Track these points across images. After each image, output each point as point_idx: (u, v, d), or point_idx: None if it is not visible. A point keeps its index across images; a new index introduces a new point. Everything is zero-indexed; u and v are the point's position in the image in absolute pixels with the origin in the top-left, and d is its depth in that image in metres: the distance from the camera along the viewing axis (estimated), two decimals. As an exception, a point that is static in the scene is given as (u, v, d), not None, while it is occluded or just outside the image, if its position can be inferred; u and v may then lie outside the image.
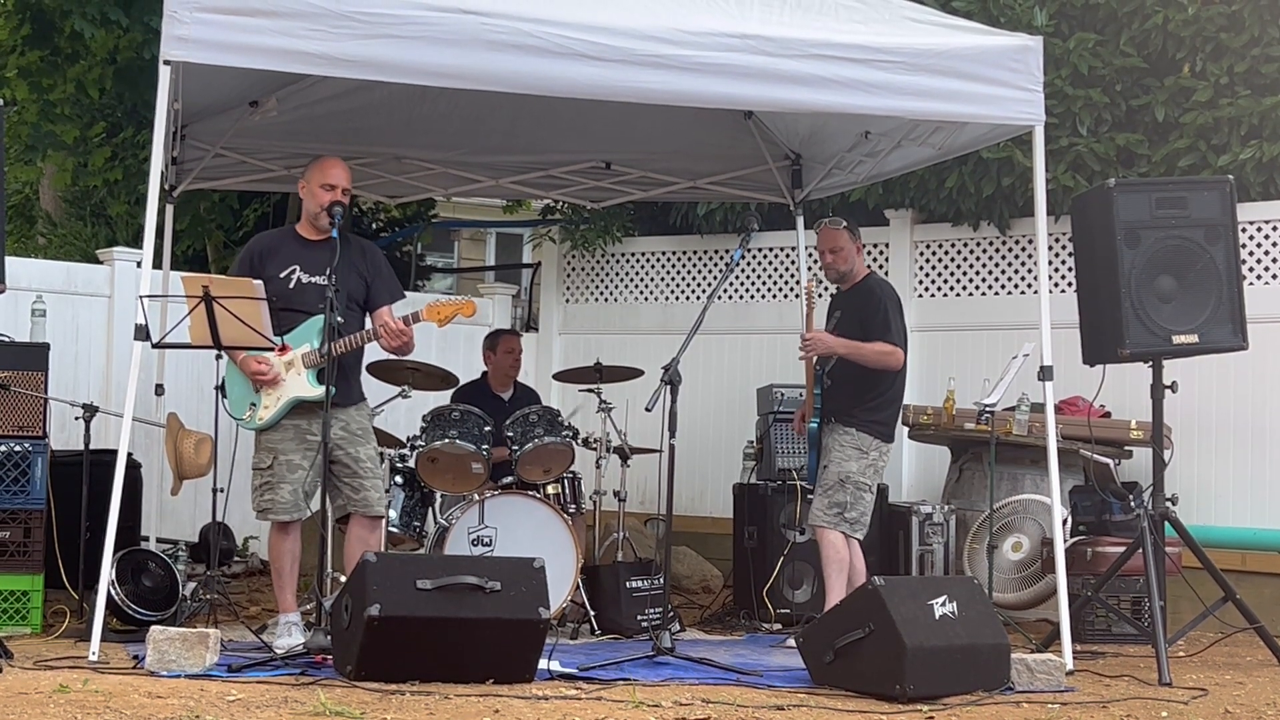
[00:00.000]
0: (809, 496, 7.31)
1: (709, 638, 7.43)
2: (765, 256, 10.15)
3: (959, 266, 9.50)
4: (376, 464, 6.68)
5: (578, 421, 8.01)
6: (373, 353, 6.78)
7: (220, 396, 6.56)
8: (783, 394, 8.29)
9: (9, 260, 6.47)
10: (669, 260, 10.65)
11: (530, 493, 7.51)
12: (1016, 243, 9.29)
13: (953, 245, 9.52)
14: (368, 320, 6.71)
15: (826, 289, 7.57)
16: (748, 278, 10.20)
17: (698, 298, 10.31)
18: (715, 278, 10.22)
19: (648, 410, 6.47)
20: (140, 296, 6.05)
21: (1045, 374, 6.61)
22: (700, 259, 10.51)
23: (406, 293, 7.30)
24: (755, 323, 10.10)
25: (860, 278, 7.20)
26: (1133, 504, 7.27)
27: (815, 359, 7.09)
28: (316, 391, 6.39)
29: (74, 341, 8.89)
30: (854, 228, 7.24)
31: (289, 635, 6.43)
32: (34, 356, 7.11)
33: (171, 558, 7.15)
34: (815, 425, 7.11)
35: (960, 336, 9.34)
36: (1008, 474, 8.17)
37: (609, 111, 7.61)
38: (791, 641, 7.18)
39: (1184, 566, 7.06)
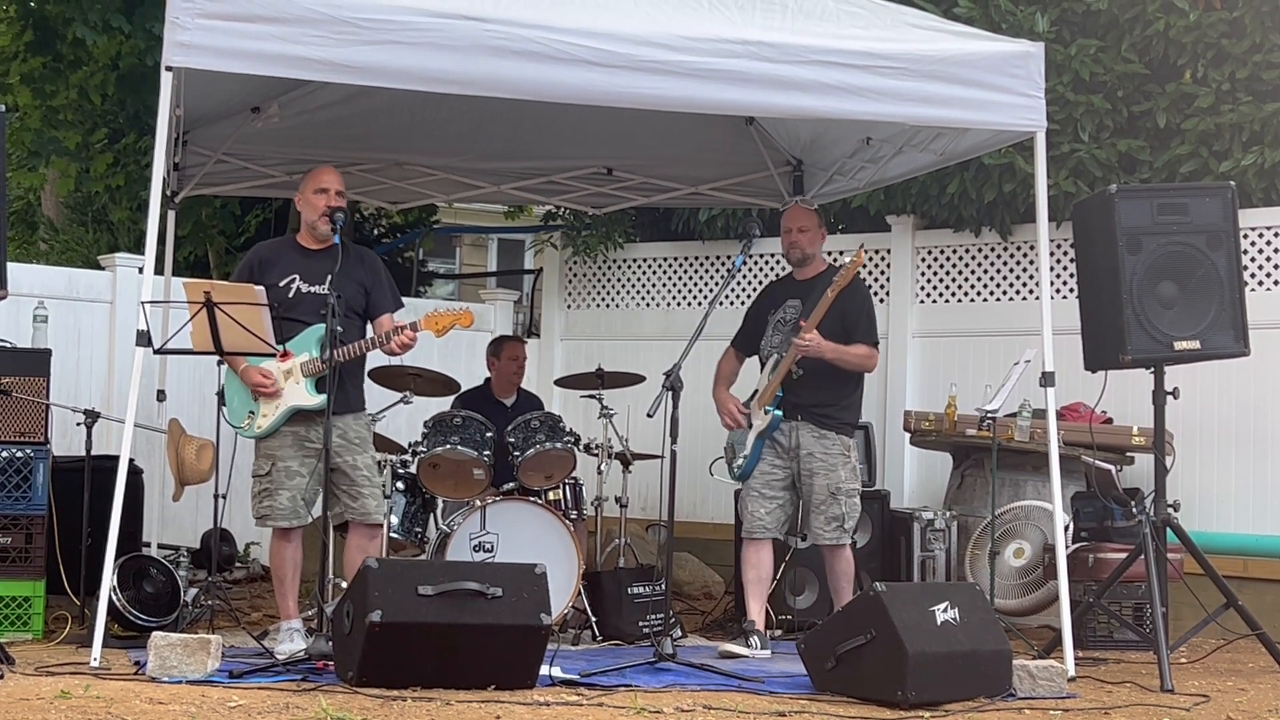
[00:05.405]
0: (766, 494, 7.11)
1: (711, 644, 7.42)
2: (767, 262, 10.14)
3: (960, 272, 9.49)
4: (374, 472, 6.68)
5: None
6: (374, 359, 6.79)
7: (220, 404, 6.57)
8: (784, 400, 8.28)
9: (11, 266, 6.47)
10: (671, 266, 10.65)
11: (532, 499, 7.51)
12: (1018, 249, 9.29)
13: (954, 251, 9.53)
14: (368, 329, 6.71)
15: (779, 272, 7.43)
16: (750, 284, 10.20)
17: (699, 303, 10.31)
18: (717, 283, 10.21)
19: (649, 416, 6.47)
20: (142, 302, 6.04)
21: (1047, 380, 6.61)
22: (702, 265, 10.52)
23: (408, 299, 7.30)
24: (757, 329, 10.09)
25: (824, 267, 7.19)
26: (1134, 510, 7.25)
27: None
28: (315, 400, 6.39)
29: (76, 347, 8.89)
30: (821, 215, 7.21)
31: (290, 641, 6.43)
32: (36, 362, 7.11)
33: (173, 563, 7.15)
34: (780, 414, 6.99)
35: (962, 343, 9.34)
36: (1009, 480, 8.17)
37: (610, 117, 7.62)
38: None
39: (1186, 573, 7.05)
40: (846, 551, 7.04)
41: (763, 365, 7.24)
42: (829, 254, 7.76)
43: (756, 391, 7.20)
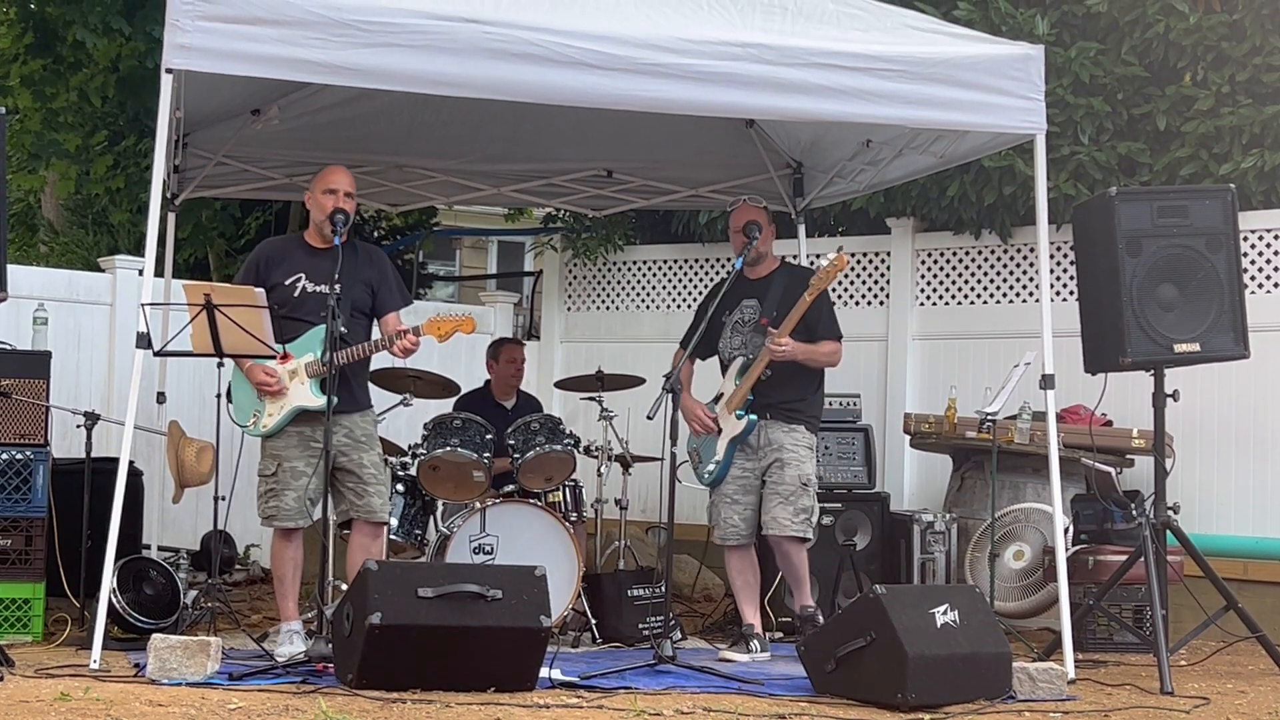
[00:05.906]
0: (739, 500, 7.03)
1: (711, 646, 7.41)
2: (767, 265, 10.14)
3: (960, 275, 9.49)
4: (381, 470, 6.68)
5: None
6: (377, 359, 6.78)
7: (226, 403, 6.56)
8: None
9: (11, 268, 6.48)
10: (670, 268, 10.65)
11: (532, 501, 7.51)
12: (1018, 251, 9.29)
13: (954, 254, 9.52)
14: (374, 328, 6.71)
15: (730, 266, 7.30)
16: (749, 286, 10.20)
17: (699, 306, 10.31)
18: (717, 286, 10.21)
19: (649, 418, 6.47)
20: (142, 304, 6.05)
21: (1047, 382, 6.61)
22: (702, 267, 10.52)
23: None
24: (757, 331, 10.08)
25: (777, 265, 7.18)
26: (1134, 512, 7.25)
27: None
28: (318, 401, 6.39)
29: (76, 349, 8.89)
30: (770, 212, 7.23)
31: (290, 643, 6.43)
32: (36, 364, 7.11)
33: (173, 566, 7.14)
34: (754, 418, 6.93)
35: (962, 345, 9.34)
36: (1009, 482, 8.17)
37: (610, 120, 7.62)
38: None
39: (1186, 575, 7.06)
40: (803, 548, 7.01)
41: (723, 367, 7.20)
42: (813, 255, 7.76)
43: (720, 395, 7.15)
